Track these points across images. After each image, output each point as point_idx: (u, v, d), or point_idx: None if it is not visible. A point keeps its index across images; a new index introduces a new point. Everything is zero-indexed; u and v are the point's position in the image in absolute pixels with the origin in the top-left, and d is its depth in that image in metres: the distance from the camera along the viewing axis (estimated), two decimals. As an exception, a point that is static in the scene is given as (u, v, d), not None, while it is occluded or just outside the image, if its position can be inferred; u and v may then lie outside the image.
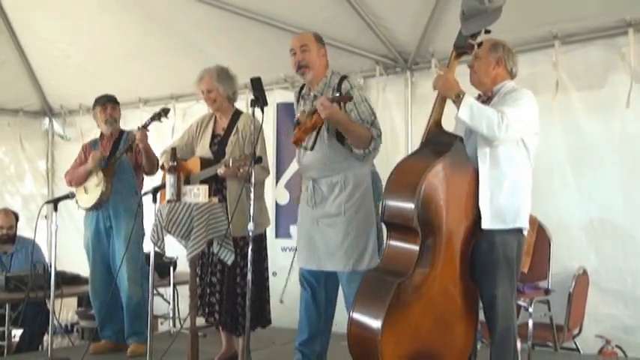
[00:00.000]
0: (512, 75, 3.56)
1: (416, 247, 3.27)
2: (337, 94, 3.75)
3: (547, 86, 4.87)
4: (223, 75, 4.50)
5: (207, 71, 4.52)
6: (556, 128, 4.93)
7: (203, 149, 4.50)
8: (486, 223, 3.35)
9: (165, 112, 4.75)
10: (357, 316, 3.33)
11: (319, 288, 4.00)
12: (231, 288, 4.32)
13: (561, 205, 4.94)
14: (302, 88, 4.09)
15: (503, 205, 3.36)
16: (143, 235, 4.98)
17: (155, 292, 5.17)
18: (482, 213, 3.34)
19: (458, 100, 3.29)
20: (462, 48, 3.47)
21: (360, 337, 3.30)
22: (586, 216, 4.86)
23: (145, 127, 4.78)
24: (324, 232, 3.90)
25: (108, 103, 5.17)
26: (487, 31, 3.46)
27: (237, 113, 4.54)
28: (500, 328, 3.36)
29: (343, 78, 3.90)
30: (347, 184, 3.84)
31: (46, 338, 5.42)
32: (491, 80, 3.53)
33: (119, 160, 4.96)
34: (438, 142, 3.44)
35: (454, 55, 3.49)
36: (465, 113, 3.27)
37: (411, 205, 3.24)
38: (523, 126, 3.35)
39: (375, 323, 3.18)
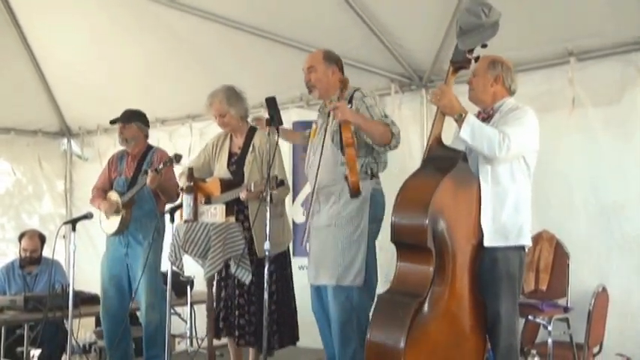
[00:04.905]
0: (510, 92, 3.57)
1: (430, 268, 3.26)
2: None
3: (563, 102, 4.85)
4: (233, 97, 4.42)
5: (214, 96, 4.42)
6: (574, 144, 4.91)
7: (221, 169, 4.47)
8: (488, 241, 3.35)
9: (177, 158, 4.63)
10: (375, 339, 3.29)
11: (326, 303, 3.93)
12: (262, 307, 4.27)
13: (581, 222, 4.88)
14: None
15: (506, 222, 3.36)
16: (160, 259, 4.97)
17: (172, 311, 5.17)
18: (484, 231, 3.34)
19: (460, 119, 3.30)
20: (459, 63, 3.51)
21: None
22: (606, 232, 4.80)
23: (156, 170, 4.63)
24: (316, 244, 3.92)
25: (119, 123, 5.11)
26: (484, 46, 3.47)
27: (252, 130, 4.49)
28: (504, 344, 3.36)
29: (355, 90, 3.94)
30: (342, 196, 3.78)
31: (64, 358, 5.43)
32: (490, 97, 3.54)
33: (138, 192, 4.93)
34: (442, 158, 3.44)
35: (451, 70, 3.53)
36: (467, 133, 3.28)
37: (423, 223, 3.23)
38: (524, 145, 3.37)
39: (396, 346, 3.15)
